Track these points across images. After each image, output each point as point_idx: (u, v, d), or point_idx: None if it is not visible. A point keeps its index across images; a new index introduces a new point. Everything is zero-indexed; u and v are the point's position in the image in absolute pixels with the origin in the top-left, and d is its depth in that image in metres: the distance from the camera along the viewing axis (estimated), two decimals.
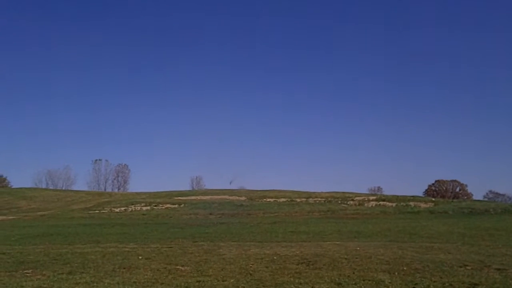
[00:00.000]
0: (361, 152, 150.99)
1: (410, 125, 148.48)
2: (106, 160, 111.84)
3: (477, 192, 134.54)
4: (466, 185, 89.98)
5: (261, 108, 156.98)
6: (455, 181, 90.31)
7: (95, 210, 54.84)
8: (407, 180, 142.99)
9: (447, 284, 8.19)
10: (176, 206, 56.49)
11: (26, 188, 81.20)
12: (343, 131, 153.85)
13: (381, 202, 56.25)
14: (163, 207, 55.63)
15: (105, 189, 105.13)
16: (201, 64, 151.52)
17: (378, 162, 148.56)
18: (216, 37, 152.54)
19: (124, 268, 10.19)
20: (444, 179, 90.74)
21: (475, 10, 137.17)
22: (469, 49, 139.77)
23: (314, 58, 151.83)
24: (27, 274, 9.53)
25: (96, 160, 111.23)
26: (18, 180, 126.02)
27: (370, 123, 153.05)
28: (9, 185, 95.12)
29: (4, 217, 47.23)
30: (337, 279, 8.78)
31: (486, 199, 77.34)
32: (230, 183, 49.04)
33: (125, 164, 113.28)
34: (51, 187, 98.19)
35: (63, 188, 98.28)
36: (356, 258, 11.59)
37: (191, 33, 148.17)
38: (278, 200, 60.62)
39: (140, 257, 12.08)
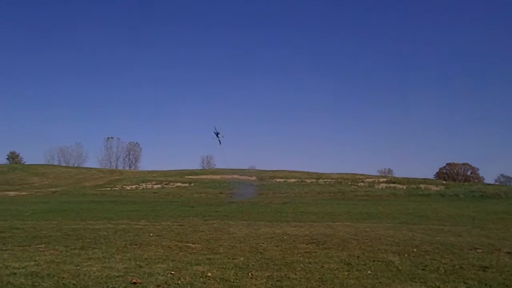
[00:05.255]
0: (372, 133, 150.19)
1: (421, 107, 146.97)
2: (118, 138, 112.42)
3: (489, 175, 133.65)
4: (478, 169, 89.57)
5: (271, 89, 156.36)
6: (466, 164, 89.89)
7: (106, 187, 55.42)
8: (418, 163, 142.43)
9: (457, 267, 8.18)
10: (187, 185, 56.93)
11: (38, 165, 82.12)
12: (353, 112, 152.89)
13: (392, 184, 56.24)
14: (174, 186, 56.11)
15: (116, 167, 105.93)
16: (214, 44, 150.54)
17: (389, 144, 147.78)
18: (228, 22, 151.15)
19: (136, 245, 10.29)
20: (456, 162, 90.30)
21: None
22: (480, 35, 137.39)
23: (323, 39, 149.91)
24: (40, 249, 9.66)
25: (108, 138, 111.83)
26: (31, 156, 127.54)
27: (381, 104, 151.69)
28: (22, 162, 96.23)
29: (17, 192, 47.94)
30: (346, 259, 8.80)
31: (497, 183, 76.91)
32: (217, 135, 47.24)
33: (136, 143, 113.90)
34: (63, 164, 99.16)
35: (75, 165, 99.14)
36: (366, 239, 11.60)
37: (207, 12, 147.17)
38: (288, 180, 60.81)
39: (151, 234, 12.20)
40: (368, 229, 13.96)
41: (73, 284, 6.72)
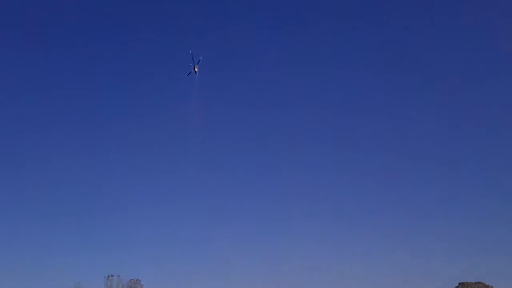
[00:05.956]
0: (376, 255, 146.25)
1: (428, 228, 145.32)
2: (118, 276, 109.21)
3: None
4: (492, 287, 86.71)
5: (275, 220, 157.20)
6: (480, 283, 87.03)
7: None
8: (430, 284, 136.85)
9: None
10: None
11: None
12: (357, 241, 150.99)
13: None
14: None
15: None
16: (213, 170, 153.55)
17: (398, 268, 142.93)
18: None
19: None
20: (469, 281, 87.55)
21: None
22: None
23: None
24: None
25: (109, 276, 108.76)
26: None
27: (386, 231, 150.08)
28: None
29: None
30: None
31: None
32: (195, 67, 45.34)
33: (137, 279, 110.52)
34: None
35: None
36: None
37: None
38: None
39: None
40: None
41: None
